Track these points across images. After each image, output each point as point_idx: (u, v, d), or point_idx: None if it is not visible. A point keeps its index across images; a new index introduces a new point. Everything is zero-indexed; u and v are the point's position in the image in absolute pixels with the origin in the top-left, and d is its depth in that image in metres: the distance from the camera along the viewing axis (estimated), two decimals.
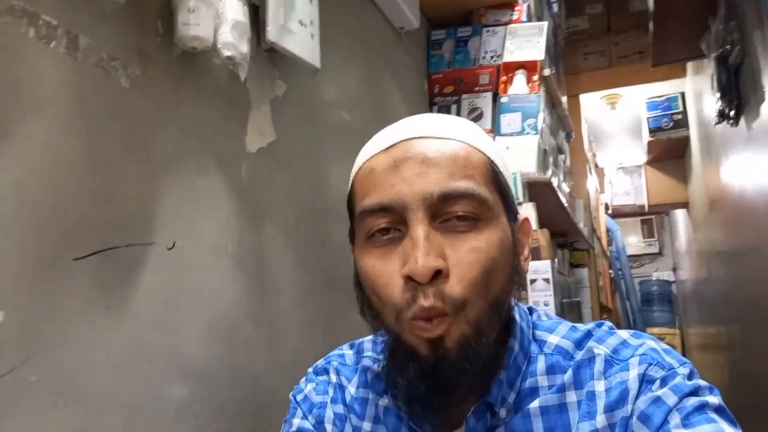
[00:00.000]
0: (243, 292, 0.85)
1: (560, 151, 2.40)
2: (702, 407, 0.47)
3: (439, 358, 0.48)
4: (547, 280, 1.36)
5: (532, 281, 1.37)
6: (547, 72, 1.91)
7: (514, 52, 1.71)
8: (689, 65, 3.18)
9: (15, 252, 0.53)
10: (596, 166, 4.47)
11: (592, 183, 3.59)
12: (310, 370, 0.68)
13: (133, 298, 0.66)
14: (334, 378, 0.65)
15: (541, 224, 1.51)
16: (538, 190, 1.59)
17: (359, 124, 1.31)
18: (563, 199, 1.86)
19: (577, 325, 0.59)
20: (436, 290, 0.47)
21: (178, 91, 0.76)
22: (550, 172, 1.93)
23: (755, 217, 1.93)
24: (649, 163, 4.29)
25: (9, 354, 0.52)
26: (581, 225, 2.97)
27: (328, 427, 0.63)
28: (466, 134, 0.54)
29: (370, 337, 0.66)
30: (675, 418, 0.46)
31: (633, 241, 6.01)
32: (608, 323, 0.58)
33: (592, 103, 3.71)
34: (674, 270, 5.85)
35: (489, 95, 1.71)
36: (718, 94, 1.97)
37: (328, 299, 1.08)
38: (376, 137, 0.57)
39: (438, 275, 0.47)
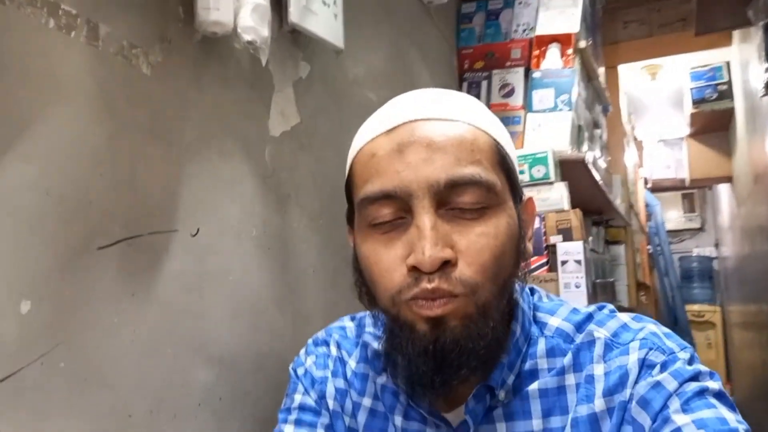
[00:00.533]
0: (268, 277, 0.86)
1: (596, 125, 2.32)
2: (702, 392, 0.46)
3: (440, 334, 0.47)
4: (578, 262, 1.33)
5: (563, 263, 1.34)
6: (582, 44, 1.84)
7: (547, 25, 1.65)
8: (735, 33, 3.02)
9: (41, 242, 0.54)
10: (635, 139, 4.33)
11: (630, 157, 3.49)
12: (310, 341, 0.68)
13: (157, 284, 0.67)
14: (334, 351, 0.65)
15: (574, 203, 1.48)
16: (572, 169, 1.55)
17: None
18: (597, 177, 1.81)
19: (579, 307, 0.58)
20: (445, 277, 0.47)
21: (200, 77, 0.76)
22: (585, 148, 1.87)
23: None
24: (692, 135, 4.14)
25: (38, 342, 0.53)
26: (618, 201, 2.89)
27: (330, 402, 0.63)
28: (471, 115, 0.52)
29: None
30: (675, 403, 0.46)
31: (673, 216, 5.84)
32: (610, 306, 0.57)
33: (631, 74, 3.58)
34: (716, 246, 5.68)
35: (521, 70, 1.66)
36: (765, 65, 1.87)
37: None
38: (376, 116, 0.55)
39: (445, 265, 0.47)
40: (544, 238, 1.39)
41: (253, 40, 0.74)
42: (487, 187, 0.49)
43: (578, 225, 1.36)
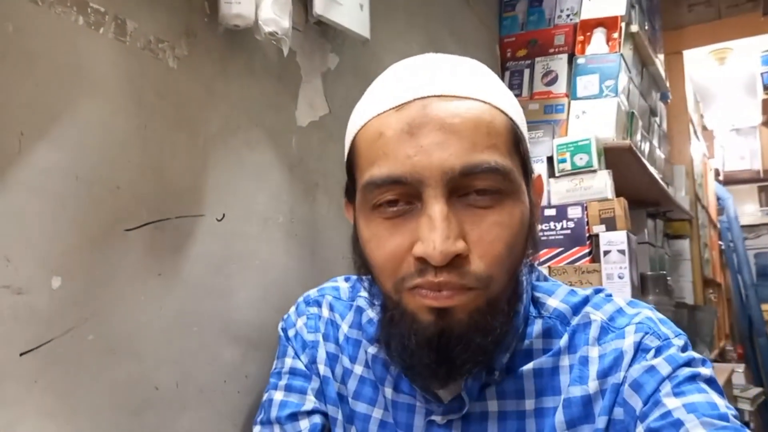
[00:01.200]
0: (296, 262, 0.89)
1: (653, 113, 2.23)
2: (693, 377, 0.47)
3: (446, 327, 0.46)
4: (622, 252, 1.29)
5: (606, 253, 1.30)
6: (634, 28, 1.77)
7: (592, 9, 1.60)
8: None
9: (71, 224, 0.59)
10: (704, 128, 4.10)
11: (697, 147, 3.32)
12: (301, 299, 0.68)
13: (183, 265, 0.71)
14: (326, 313, 0.64)
15: (624, 194, 1.43)
16: (618, 156, 1.50)
17: None
18: (650, 166, 1.74)
19: (576, 289, 0.57)
20: (455, 272, 0.45)
21: (226, 69, 0.80)
22: (638, 137, 1.80)
23: None
24: (766, 123, 3.88)
25: (67, 316, 0.58)
26: (682, 194, 2.76)
27: (321, 367, 0.63)
28: (488, 92, 0.49)
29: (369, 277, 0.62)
30: (666, 387, 0.46)
31: (749, 210, 5.48)
32: (606, 290, 0.57)
33: (697, 60, 3.40)
34: None
35: (564, 57, 1.61)
36: None
37: None
38: (382, 88, 0.51)
39: (456, 258, 0.44)
40: (586, 227, 1.35)
41: (274, 31, 0.76)
42: (503, 175, 0.46)
43: (622, 214, 1.31)
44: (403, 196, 0.46)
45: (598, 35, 1.58)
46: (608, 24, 1.59)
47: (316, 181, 0.95)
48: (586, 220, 1.35)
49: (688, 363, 0.48)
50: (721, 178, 4.50)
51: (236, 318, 0.78)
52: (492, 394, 0.53)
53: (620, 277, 1.28)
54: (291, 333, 0.67)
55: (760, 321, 4.36)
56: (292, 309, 0.68)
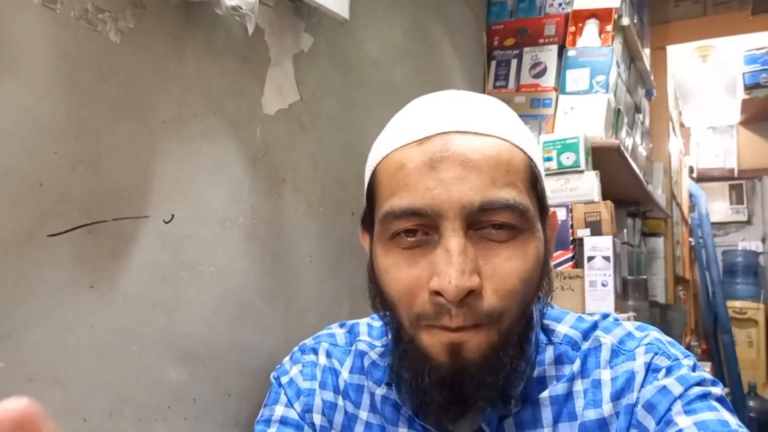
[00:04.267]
0: (256, 267, 0.79)
1: (638, 110, 2.17)
2: (704, 396, 0.48)
3: (459, 367, 0.46)
4: (606, 258, 1.23)
5: (590, 258, 1.24)
6: (625, 21, 1.70)
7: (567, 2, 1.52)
8: None
9: None
10: (682, 125, 4.10)
11: (675, 144, 3.30)
12: (296, 349, 0.64)
13: (122, 275, 0.61)
14: (323, 360, 0.62)
15: (607, 194, 1.36)
16: (605, 156, 1.43)
17: (403, 81, 1.20)
18: (635, 165, 1.68)
19: (584, 316, 0.59)
20: (467, 307, 0.45)
21: (180, 47, 0.69)
22: (623, 134, 1.74)
23: None
24: (743, 123, 3.90)
25: None
26: (659, 192, 2.74)
27: (317, 417, 0.59)
28: (508, 129, 0.50)
29: (365, 319, 0.64)
30: (677, 406, 0.47)
31: (719, 208, 5.55)
32: (613, 314, 0.58)
33: (679, 56, 3.37)
34: (763, 240, 5.39)
35: (554, 48, 1.53)
36: None
37: (357, 272, 1.01)
38: (404, 120, 0.52)
39: (470, 293, 0.45)
40: (570, 231, 1.28)
41: (237, 5, 0.66)
42: (521, 212, 0.47)
43: (608, 218, 1.25)
44: (422, 227, 0.47)
45: (591, 27, 1.50)
46: (601, 15, 1.51)
47: (283, 176, 0.85)
48: (570, 222, 1.28)
49: (700, 383, 0.49)
50: (694, 175, 4.51)
51: (184, 333, 0.68)
52: (510, 425, 0.53)
53: (604, 285, 1.22)
54: (284, 380, 0.62)
55: (725, 318, 4.42)
56: (287, 358, 0.64)
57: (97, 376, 0.58)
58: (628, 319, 1.17)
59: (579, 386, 0.53)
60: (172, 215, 0.67)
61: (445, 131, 0.48)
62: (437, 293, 0.45)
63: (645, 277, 1.73)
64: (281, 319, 0.84)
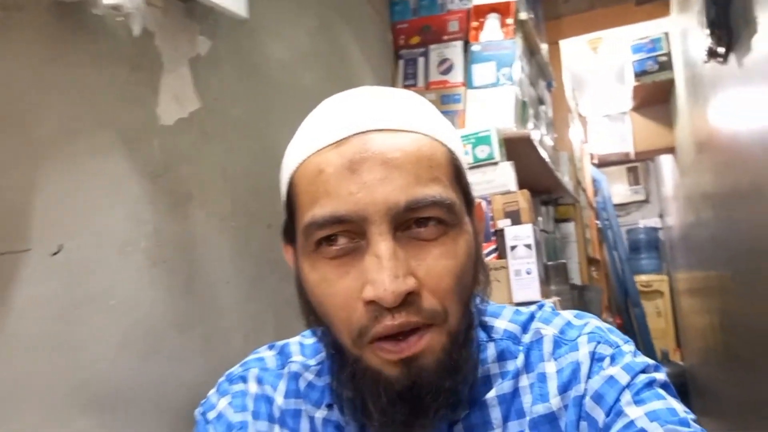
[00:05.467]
0: (165, 295, 0.72)
1: (541, 101, 2.25)
2: (651, 384, 0.48)
3: (415, 379, 0.44)
4: (528, 246, 1.24)
5: (513, 248, 1.25)
6: (523, 16, 1.74)
7: None
8: (673, 2, 3.01)
9: None
10: (579, 115, 4.32)
11: (576, 134, 3.46)
12: (223, 379, 0.59)
13: (7, 318, 0.53)
14: (253, 388, 0.57)
15: (522, 184, 1.38)
16: (517, 147, 1.46)
17: (313, 83, 1.16)
18: (544, 154, 1.73)
19: (520, 308, 0.58)
20: (408, 308, 0.43)
21: (61, 54, 0.61)
22: (531, 125, 1.79)
23: (747, 158, 1.82)
24: (635, 109, 4.16)
25: None
26: (566, 179, 2.85)
27: None
28: (427, 124, 0.49)
29: (296, 338, 0.61)
30: (626, 396, 0.47)
31: (620, 190, 5.92)
32: (549, 303, 0.58)
33: (572, 50, 3.54)
34: (660, 216, 5.81)
35: (459, 44, 1.54)
36: (707, 31, 1.82)
37: (280, 287, 0.95)
38: (319, 123, 0.49)
39: (409, 295, 0.43)
40: (491, 223, 1.29)
41: (117, 4, 0.59)
42: (447, 207, 0.46)
43: (527, 207, 1.27)
44: (348, 234, 0.45)
45: (492, 21, 1.52)
46: (501, 9, 1.54)
47: (188, 191, 0.78)
48: (490, 215, 1.29)
49: (644, 369, 0.49)
50: (595, 161, 4.78)
51: (90, 376, 0.60)
52: (460, 430, 0.51)
53: (528, 273, 1.23)
54: (212, 415, 0.56)
55: (634, 292, 4.71)
56: (212, 390, 0.59)
57: None
58: (553, 303, 1.19)
59: (525, 381, 0.52)
60: (60, 245, 0.58)
61: (363, 131, 0.46)
62: (373, 302, 0.43)
63: (564, 261, 1.78)
64: (200, 349, 0.77)
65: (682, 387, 3.84)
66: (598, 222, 4.59)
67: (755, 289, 2.03)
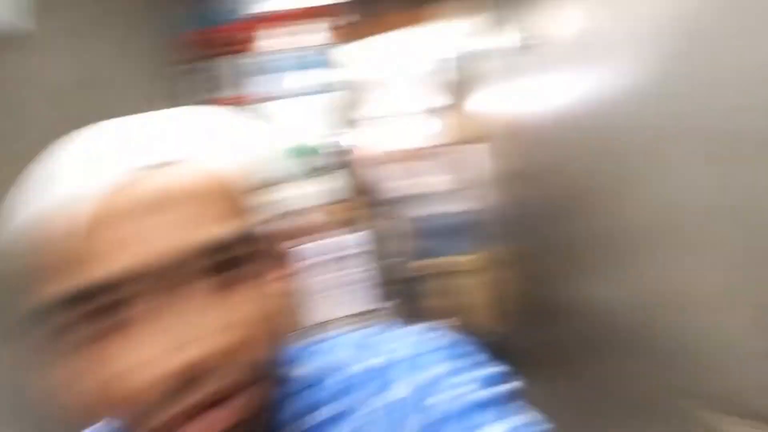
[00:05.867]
0: None
1: (350, 107, 2.29)
2: (494, 401, 0.44)
3: None
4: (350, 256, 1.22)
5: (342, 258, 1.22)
6: (309, 23, 1.73)
7: (263, 4, 1.50)
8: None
9: None
10: (379, 117, 4.49)
11: (377, 135, 3.59)
12: None
13: None
14: None
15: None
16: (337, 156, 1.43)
17: (63, 117, 1.00)
18: (360, 161, 1.73)
19: (317, 344, 0.51)
20: (199, 385, 0.35)
21: None
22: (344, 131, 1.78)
23: (542, 141, 2.00)
24: (435, 107, 4.44)
25: None
26: (376, 185, 2.93)
27: None
28: (205, 149, 0.40)
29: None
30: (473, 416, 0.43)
31: (431, 181, 6.30)
32: (344, 327, 0.53)
33: (364, 55, 3.66)
34: (468, 200, 6.29)
35: (241, 57, 1.48)
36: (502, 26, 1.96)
37: None
38: (65, 164, 0.38)
39: (197, 366, 0.35)
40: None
41: None
42: (240, 244, 0.38)
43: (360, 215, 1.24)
44: (108, 305, 0.35)
45: (269, 32, 1.48)
46: (274, 19, 1.50)
47: None
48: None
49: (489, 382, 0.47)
50: (402, 158, 5.01)
51: None
52: None
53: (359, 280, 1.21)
54: None
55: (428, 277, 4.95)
56: None
57: None
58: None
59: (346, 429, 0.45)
60: None
61: (125, 170, 0.37)
62: (157, 382, 0.34)
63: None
64: None
65: (502, 348, 4.17)
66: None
67: (546, 257, 2.27)
